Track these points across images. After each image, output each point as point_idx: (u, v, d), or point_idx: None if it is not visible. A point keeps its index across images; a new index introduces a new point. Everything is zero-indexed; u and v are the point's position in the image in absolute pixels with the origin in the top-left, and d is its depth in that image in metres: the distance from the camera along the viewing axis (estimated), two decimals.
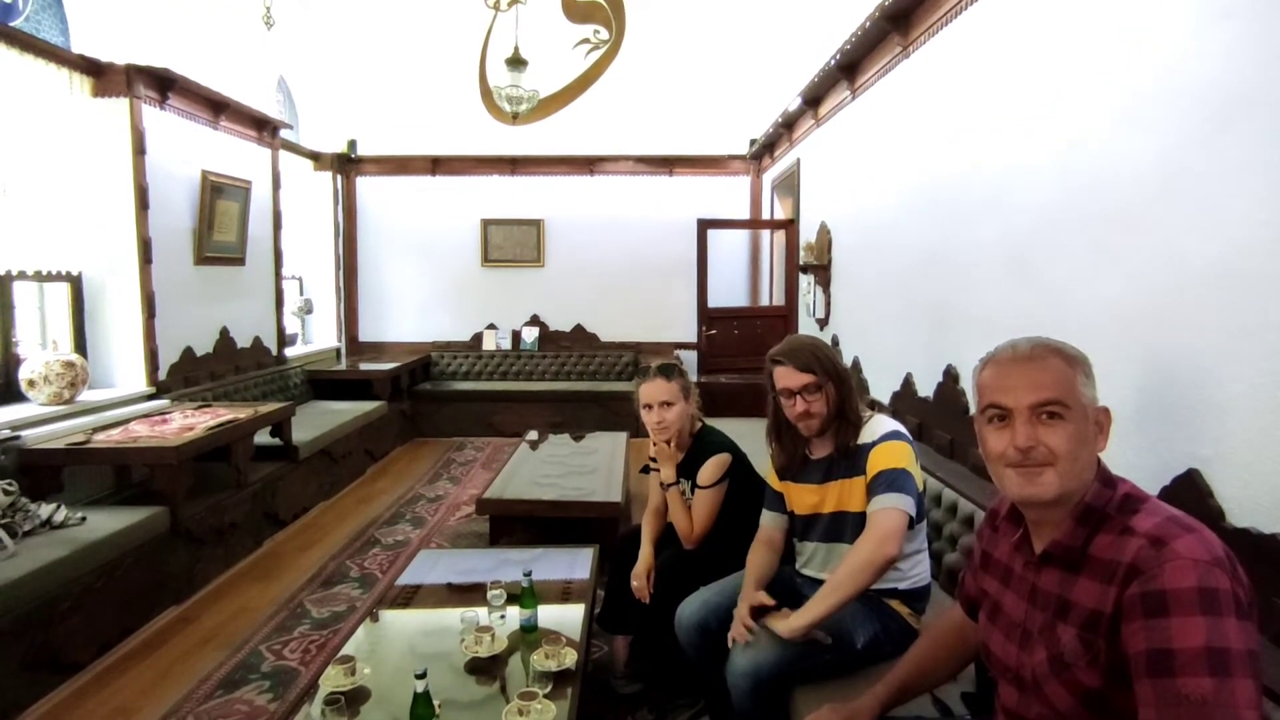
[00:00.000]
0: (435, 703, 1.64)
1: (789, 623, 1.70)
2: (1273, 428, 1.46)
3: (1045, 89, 2.28)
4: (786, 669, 1.73)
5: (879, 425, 1.92)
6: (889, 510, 1.78)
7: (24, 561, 2.47)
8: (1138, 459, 1.78)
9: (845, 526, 1.91)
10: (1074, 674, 1.08)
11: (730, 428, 2.61)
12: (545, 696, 1.71)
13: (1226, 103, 1.56)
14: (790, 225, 5.85)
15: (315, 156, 6.82)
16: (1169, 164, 1.73)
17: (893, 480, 1.81)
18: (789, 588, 2.02)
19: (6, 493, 2.69)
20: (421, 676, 1.58)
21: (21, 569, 2.42)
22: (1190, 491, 1.64)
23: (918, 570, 1.92)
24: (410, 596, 2.41)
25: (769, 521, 2.10)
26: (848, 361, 4.23)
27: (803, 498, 2.01)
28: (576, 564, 2.65)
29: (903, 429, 1.93)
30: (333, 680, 1.80)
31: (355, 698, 1.79)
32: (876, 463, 1.85)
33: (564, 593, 2.41)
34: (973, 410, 1.25)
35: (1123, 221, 1.90)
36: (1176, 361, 1.71)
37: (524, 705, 1.65)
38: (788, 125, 5.69)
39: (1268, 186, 1.46)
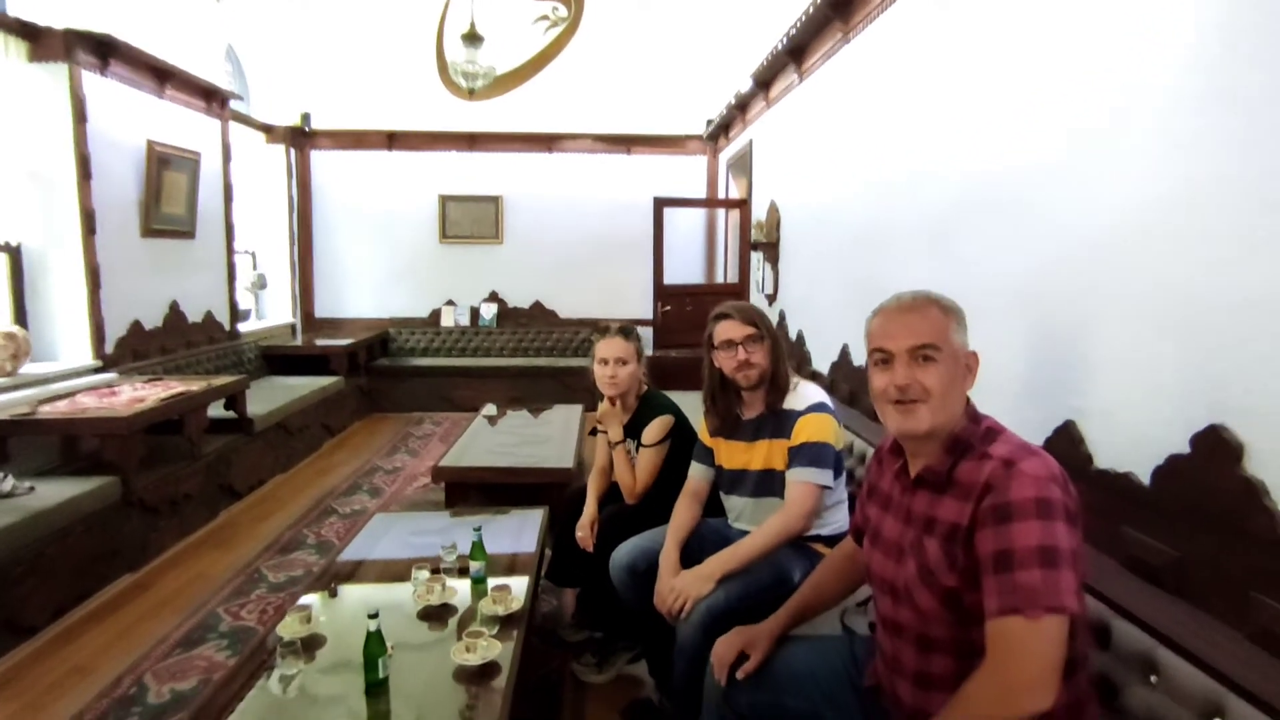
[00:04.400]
0: (388, 644, 1.75)
1: (701, 569, 1.91)
2: (1129, 382, 1.65)
3: (957, 80, 2.46)
4: (735, 604, 1.88)
5: (806, 393, 2.08)
6: (806, 485, 1.97)
7: None
8: (1029, 413, 1.97)
9: (774, 483, 2.07)
10: (937, 578, 1.25)
11: (683, 399, 2.73)
12: (492, 637, 1.84)
13: (1103, 103, 1.75)
14: (744, 204, 5.99)
15: (268, 129, 6.72)
16: (1053, 155, 1.93)
17: (814, 454, 1.98)
18: (723, 539, 2.18)
19: None
20: (374, 616, 1.69)
21: None
22: (1066, 440, 1.84)
23: (838, 518, 2.09)
24: (355, 570, 2.39)
25: (697, 473, 2.25)
26: (793, 335, 4.41)
27: (733, 454, 2.16)
28: (525, 530, 2.73)
29: (827, 399, 2.09)
30: (290, 628, 1.90)
31: (311, 643, 1.89)
32: (802, 433, 2.01)
33: (510, 566, 2.43)
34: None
35: (1020, 203, 2.08)
36: (1059, 324, 1.91)
37: (471, 643, 1.78)
38: (741, 107, 5.81)
39: (1131, 174, 1.65)
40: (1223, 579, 1.41)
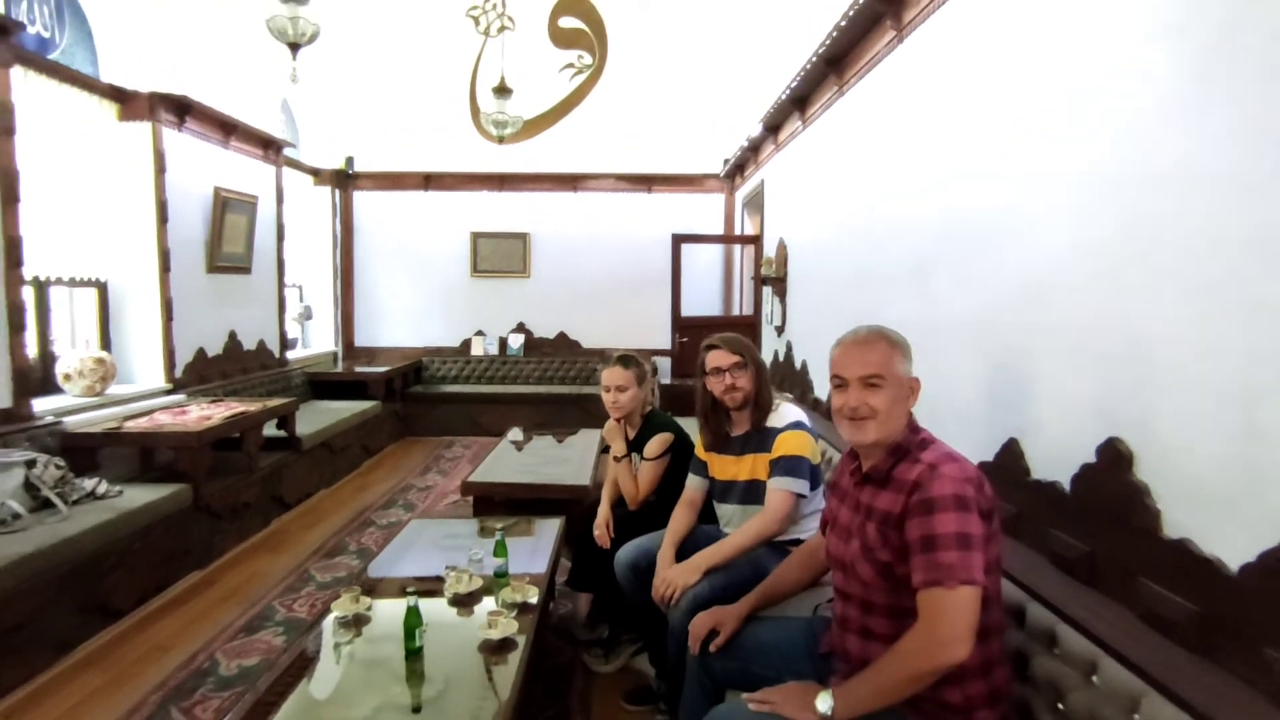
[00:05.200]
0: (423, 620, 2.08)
1: (689, 562, 2.22)
2: (1055, 403, 1.95)
3: (928, 134, 2.79)
4: (718, 594, 2.17)
5: (786, 413, 2.40)
6: (783, 493, 2.27)
7: (76, 523, 2.92)
8: (983, 431, 2.28)
9: (759, 492, 2.38)
10: (875, 554, 1.55)
11: (695, 425, 3.02)
12: (511, 619, 2.17)
13: (1036, 164, 2.07)
14: (756, 240, 6.34)
15: (315, 172, 7.27)
16: (1003, 206, 2.24)
17: (791, 466, 2.29)
18: (714, 543, 2.48)
19: (58, 467, 3.13)
20: (413, 593, 2.03)
21: (75, 529, 2.87)
22: (1010, 455, 2.13)
23: (814, 524, 2.38)
24: (393, 564, 2.75)
25: (693, 484, 2.57)
26: (797, 365, 4.71)
27: (723, 467, 2.48)
28: (543, 534, 3.04)
29: (805, 418, 2.41)
30: (342, 606, 2.24)
31: (359, 620, 2.23)
32: (781, 447, 2.32)
33: (528, 566, 2.73)
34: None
35: (977, 246, 2.39)
36: (1006, 353, 2.21)
37: (493, 620, 2.10)
38: (754, 149, 6.19)
39: (1059, 225, 1.96)
40: (1119, 567, 1.69)
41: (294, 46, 3.13)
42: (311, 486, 4.92)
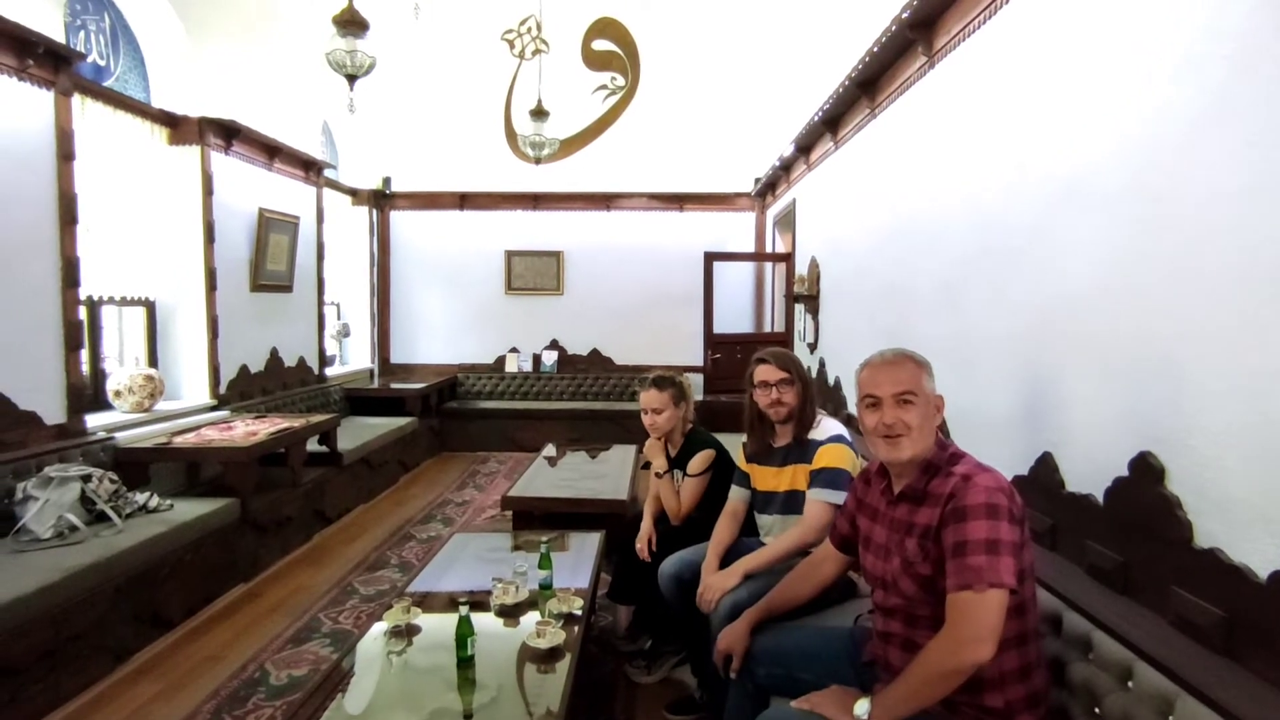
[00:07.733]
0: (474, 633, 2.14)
1: (730, 568, 2.29)
2: (1091, 419, 1.96)
3: (961, 157, 2.83)
4: (757, 599, 2.20)
5: (828, 426, 2.45)
6: (822, 504, 2.30)
7: (130, 536, 3.03)
8: (1017, 445, 2.29)
9: (798, 502, 2.42)
10: (915, 569, 1.59)
11: (730, 440, 3.07)
12: (559, 629, 2.22)
13: (1066, 184, 2.10)
14: (788, 258, 6.38)
15: (353, 192, 7.46)
16: (1034, 225, 2.27)
17: (831, 478, 2.32)
18: None
19: (112, 481, 3.26)
20: (465, 603, 2.09)
21: (129, 541, 2.99)
22: (1045, 468, 2.14)
23: None
24: (441, 577, 2.82)
25: (736, 495, 2.62)
26: (831, 381, 4.73)
27: (765, 478, 2.52)
28: (585, 548, 3.10)
29: (845, 432, 2.45)
30: (393, 616, 2.31)
31: (410, 630, 2.30)
32: (822, 459, 2.36)
33: (572, 578, 2.79)
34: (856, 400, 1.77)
35: (1010, 264, 2.42)
36: (1038, 368, 2.23)
37: (542, 629, 2.16)
38: (785, 168, 6.25)
39: (1090, 243, 1.98)
40: (1152, 576, 1.70)
41: (351, 78, 3.27)
42: (351, 501, 5.03)
